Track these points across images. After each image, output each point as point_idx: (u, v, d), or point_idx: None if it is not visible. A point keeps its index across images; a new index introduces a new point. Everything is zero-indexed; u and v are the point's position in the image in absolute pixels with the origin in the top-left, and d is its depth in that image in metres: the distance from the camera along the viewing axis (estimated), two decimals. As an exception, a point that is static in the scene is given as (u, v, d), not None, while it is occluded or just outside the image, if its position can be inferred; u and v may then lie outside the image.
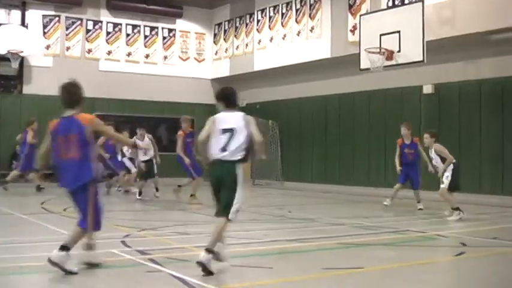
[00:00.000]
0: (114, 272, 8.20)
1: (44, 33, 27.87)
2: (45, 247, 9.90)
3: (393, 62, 19.84)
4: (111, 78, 28.72)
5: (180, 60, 31.03)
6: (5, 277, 7.72)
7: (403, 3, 20.37)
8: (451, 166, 14.59)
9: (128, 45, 29.73)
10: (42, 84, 27.28)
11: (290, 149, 27.82)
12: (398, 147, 17.10)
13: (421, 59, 18.90)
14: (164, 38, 30.63)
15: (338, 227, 13.07)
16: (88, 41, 28.80)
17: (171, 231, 11.99)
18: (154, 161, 20.08)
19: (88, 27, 28.84)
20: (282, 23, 26.62)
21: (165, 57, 30.62)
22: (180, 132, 18.41)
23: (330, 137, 25.54)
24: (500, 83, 19.56)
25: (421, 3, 18.90)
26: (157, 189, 20.03)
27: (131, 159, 21.50)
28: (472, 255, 9.77)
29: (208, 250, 7.87)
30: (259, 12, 28.06)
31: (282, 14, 26.60)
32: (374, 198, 18.87)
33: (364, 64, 20.61)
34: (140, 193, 19.33)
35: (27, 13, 27.35)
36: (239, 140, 8.47)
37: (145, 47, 30.15)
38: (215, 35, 31.41)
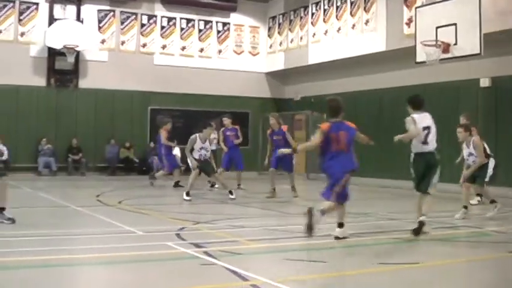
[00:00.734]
0: (168, 264, 8.23)
1: (99, 27, 28.14)
2: (99, 239, 10.03)
3: (449, 55, 19.58)
4: (165, 72, 28.88)
5: (234, 54, 31.06)
6: (60, 268, 7.79)
7: (459, -5, 20.10)
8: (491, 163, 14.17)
9: (182, 39, 29.85)
10: (97, 79, 27.61)
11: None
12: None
13: (478, 51, 18.62)
14: (218, 31, 30.68)
15: (393, 221, 12.96)
16: (143, 35, 29.00)
17: (226, 224, 12.00)
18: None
19: (143, 22, 29.03)
20: (336, 16, 26.47)
21: (220, 51, 30.68)
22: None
23: (385, 131, 25.29)
24: (560, 75, 19.24)
25: (477, -5, 18.65)
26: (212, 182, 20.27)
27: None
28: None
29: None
30: (314, 6, 27.93)
31: (337, 7, 26.44)
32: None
33: (420, 57, 20.40)
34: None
35: (82, 8, 27.63)
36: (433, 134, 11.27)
37: (200, 41, 30.23)
38: (269, 28, 31.36)
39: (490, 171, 14.59)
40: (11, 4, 26.55)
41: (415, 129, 11.27)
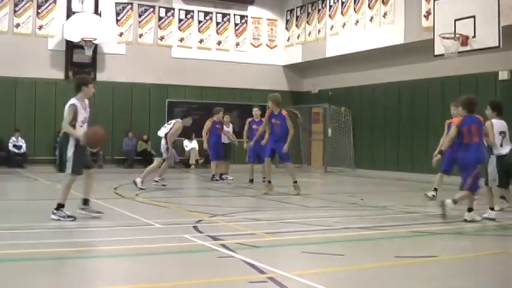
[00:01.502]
0: (186, 257, 8.24)
1: (117, 20, 28.23)
2: (117, 231, 10.06)
3: (468, 48, 19.52)
4: (183, 65, 28.92)
5: (252, 47, 31.05)
6: (78, 260, 7.83)
7: (478, -12, 19.98)
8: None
9: (200, 32, 29.88)
10: (115, 71, 27.71)
11: (362, 136, 27.63)
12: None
13: (496, 44, 18.54)
14: (236, 24, 30.68)
15: (411, 215, 12.90)
16: (160, 28, 29.04)
17: (243, 217, 12.00)
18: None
19: (160, 15, 29.08)
20: (354, 8, 26.39)
21: (237, 44, 30.68)
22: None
23: (402, 124, 25.26)
24: None
25: (496, -12, 18.54)
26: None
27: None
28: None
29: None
30: (332, -2, 27.89)
31: (355, -1, 26.39)
32: (447, 186, 18.58)
33: (438, 50, 20.34)
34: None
35: (100, 1, 27.73)
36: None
37: (217, 33, 30.25)
38: (287, 21, 31.33)
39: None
40: (30, -3, 26.69)
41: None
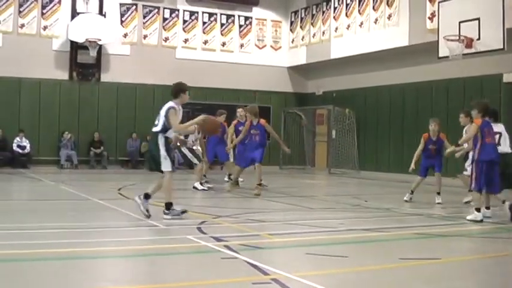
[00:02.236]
0: (189, 258, 8.24)
1: (122, 21, 28.25)
2: (120, 232, 10.07)
3: (472, 50, 19.51)
4: (187, 66, 28.91)
5: (257, 48, 31.06)
6: (81, 261, 7.83)
7: (482, -10, 19.97)
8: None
9: (204, 33, 29.89)
10: (119, 72, 27.74)
11: (366, 138, 27.62)
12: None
13: (501, 46, 18.54)
14: (240, 26, 30.69)
15: (415, 217, 12.90)
16: (165, 30, 29.07)
17: (246, 218, 11.99)
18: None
19: (165, 16, 29.11)
20: (359, 10, 26.39)
21: (242, 45, 30.69)
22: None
23: (407, 126, 25.24)
24: None
25: (501, -10, 18.53)
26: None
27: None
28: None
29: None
30: (336, 0, 27.85)
31: (359, 1, 26.36)
32: (451, 189, 18.57)
33: (442, 52, 20.32)
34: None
35: (104, 2, 27.76)
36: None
37: (222, 35, 30.26)
38: (292, 22, 31.33)
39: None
40: (34, -3, 26.72)
41: None
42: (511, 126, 20.72)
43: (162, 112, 11.75)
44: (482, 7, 19.12)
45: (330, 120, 29.05)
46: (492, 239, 10.43)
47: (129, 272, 7.47)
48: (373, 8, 25.56)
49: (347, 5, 27.11)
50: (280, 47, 31.62)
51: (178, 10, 29.41)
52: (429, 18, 22.43)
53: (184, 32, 29.50)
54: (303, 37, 30.34)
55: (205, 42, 29.91)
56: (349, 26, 26.99)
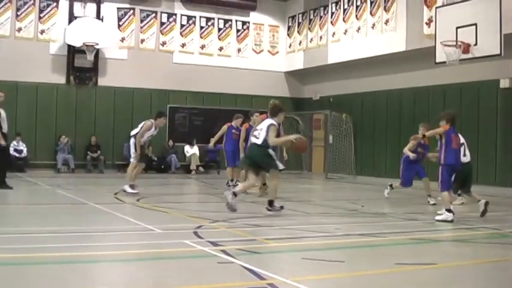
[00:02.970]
0: (185, 262, 8.24)
1: (119, 25, 28.26)
2: (117, 236, 10.07)
3: (470, 55, 19.53)
4: (184, 71, 28.96)
5: (254, 53, 31.09)
6: (78, 265, 7.82)
7: (480, -4, 19.99)
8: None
9: (201, 37, 29.91)
10: (117, 77, 27.75)
11: (363, 143, 27.64)
12: None
13: (498, 52, 18.56)
14: (238, 30, 30.72)
15: (411, 222, 12.91)
16: (162, 34, 29.09)
17: (243, 223, 11.99)
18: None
19: (162, 20, 29.13)
20: (356, 15, 26.43)
21: (239, 50, 30.72)
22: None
23: (404, 131, 25.21)
24: None
25: (498, -4, 18.56)
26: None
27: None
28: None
29: None
30: (334, 5, 27.91)
31: (357, 6, 26.41)
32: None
33: (439, 57, 20.35)
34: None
35: (102, 6, 27.77)
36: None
37: (219, 39, 30.29)
38: (289, 27, 31.37)
39: None
40: (31, 2, 26.71)
41: None
42: (508, 132, 20.88)
43: (264, 127, 13.21)
44: (480, 13, 19.14)
45: (326, 125, 29.06)
46: (487, 244, 10.44)
47: (126, 276, 7.47)
48: (371, 13, 25.60)
49: (344, 10, 27.15)
50: (277, 52, 31.65)
51: (175, 14, 29.43)
52: (426, 23, 22.47)
53: (182, 36, 29.52)
54: (300, 42, 30.37)
55: (203, 46, 29.92)
56: (346, 31, 27.03)
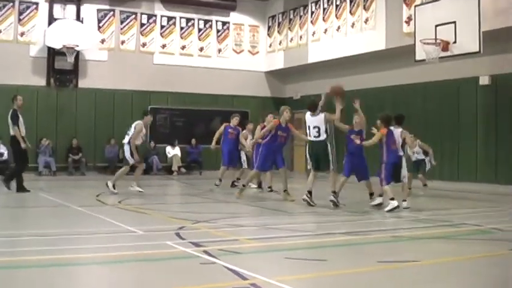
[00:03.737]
0: (168, 264, 8.23)
1: (99, 27, 28.18)
2: (99, 239, 10.04)
3: (449, 53, 19.60)
4: (165, 72, 28.92)
5: (234, 53, 31.09)
6: (60, 268, 7.80)
7: (458, -7, 20.07)
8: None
9: (182, 38, 29.88)
10: (97, 78, 27.67)
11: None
12: None
13: (477, 49, 18.63)
14: (218, 31, 30.71)
15: (393, 220, 12.96)
16: (142, 35, 29.02)
17: (225, 223, 12.00)
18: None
19: (142, 21, 29.07)
20: (336, 14, 26.47)
21: (219, 50, 30.70)
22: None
23: (384, 129, 25.27)
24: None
25: (476, -7, 18.64)
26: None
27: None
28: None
29: None
30: (313, 4, 27.94)
31: (336, 5, 26.45)
32: (430, 192, 18.72)
33: (419, 55, 20.42)
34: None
35: (82, 8, 27.67)
36: None
37: (200, 40, 30.26)
38: (269, 27, 31.38)
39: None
40: (11, 4, 26.59)
41: None
42: (489, 129, 21.01)
43: (322, 126, 16.68)
44: (459, 10, 19.21)
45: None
46: (469, 240, 10.49)
47: (109, 278, 7.46)
48: (350, 12, 25.65)
49: (324, 9, 27.19)
50: (257, 52, 31.66)
51: (155, 15, 29.38)
52: (406, 22, 22.54)
53: (162, 37, 29.47)
54: (281, 42, 30.39)
55: (183, 47, 29.88)
56: (326, 30, 27.06)
